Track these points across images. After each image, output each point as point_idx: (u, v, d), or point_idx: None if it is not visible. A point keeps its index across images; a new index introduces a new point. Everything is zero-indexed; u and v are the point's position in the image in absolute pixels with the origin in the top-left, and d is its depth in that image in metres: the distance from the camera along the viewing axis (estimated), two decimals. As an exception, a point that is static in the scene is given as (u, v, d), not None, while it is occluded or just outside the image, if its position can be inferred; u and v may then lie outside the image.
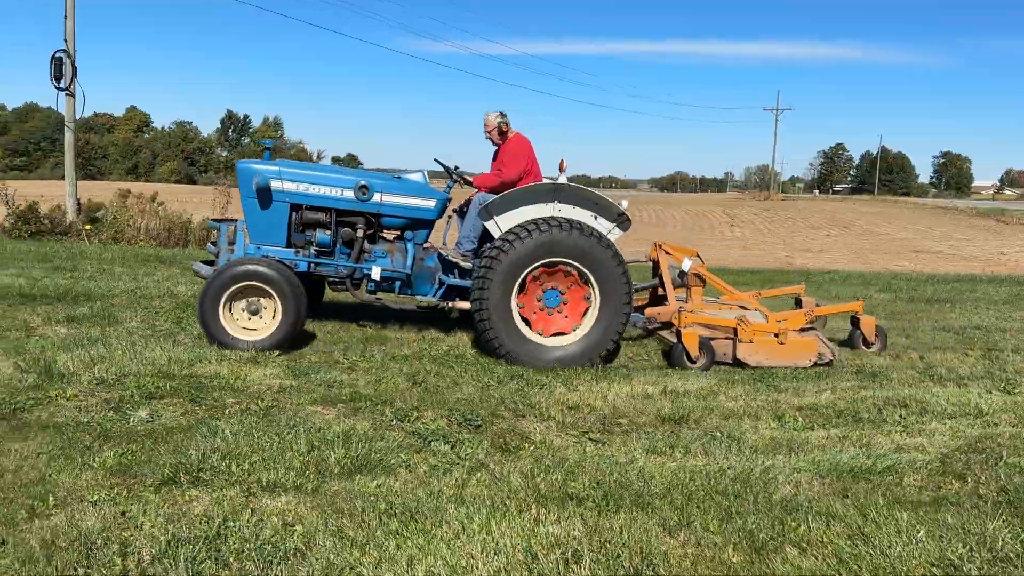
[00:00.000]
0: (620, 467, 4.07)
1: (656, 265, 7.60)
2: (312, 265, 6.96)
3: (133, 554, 2.95)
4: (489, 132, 7.49)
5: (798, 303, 7.76)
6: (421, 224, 7.24)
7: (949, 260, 20.89)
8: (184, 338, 6.49)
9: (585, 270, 6.51)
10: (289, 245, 7.05)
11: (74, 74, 17.45)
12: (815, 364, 6.46)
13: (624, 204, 6.83)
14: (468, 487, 3.75)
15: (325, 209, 7.03)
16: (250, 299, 6.33)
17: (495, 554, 3.08)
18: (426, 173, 7.52)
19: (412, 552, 3.07)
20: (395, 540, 3.16)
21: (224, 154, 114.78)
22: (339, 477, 3.79)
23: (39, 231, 15.57)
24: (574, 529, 3.31)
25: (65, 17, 18.46)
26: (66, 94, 17.41)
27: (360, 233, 7.07)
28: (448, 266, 7.08)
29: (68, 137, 18.27)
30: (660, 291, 7.61)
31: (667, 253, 7.63)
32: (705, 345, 6.42)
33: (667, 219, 42.68)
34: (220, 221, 7.45)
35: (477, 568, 2.98)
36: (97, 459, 3.82)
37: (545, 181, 6.92)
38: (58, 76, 17.25)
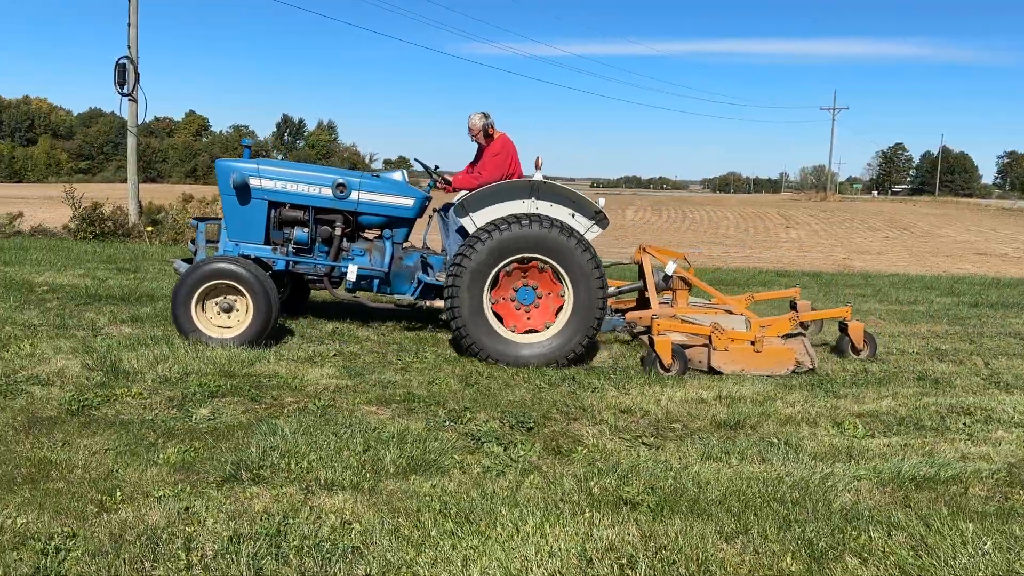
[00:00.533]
0: (675, 472, 4.03)
1: (642, 268, 7.46)
2: (291, 263, 7.04)
3: (196, 549, 3.03)
4: (475, 135, 7.49)
5: (793, 307, 7.63)
6: (400, 223, 7.24)
7: (1014, 263, 20.19)
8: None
9: (557, 266, 6.43)
10: (268, 243, 7.12)
11: (137, 80, 17.97)
12: (794, 372, 6.21)
13: (601, 202, 6.77)
14: (521, 489, 3.76)
15: (303, 207, 7.08)
16: (223, 297, 6.41)
17: (549, 557, 3.08)
18: (406, 172, 7.54)
19: (467, 553, 3.09)
20: (450, 540, 3.19)
21: (279, 157, 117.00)
22: (394, 477, 3.83)
23: (103, 233, 16.07)
24: (628, 534, 3.29)
25: (129, 25, 19.03)
26: (129, 99, 17.93)
27: (338, 231, 7.11)
28: (427, 265, 7.09)
29: (131, 141, 18.81)
30: (647, 294, 7.46)
31: (652, 256, 7.49)
32: (678, 352, 6.22)
33: (719, 220, 42.15)
34: (202, 219, 7.54)
35: (532, 570, 2.98)
36: (161, 456, 3.93)
37: (523, 178, 6.85)
38: (121, 82, 17.79)
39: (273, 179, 7.00)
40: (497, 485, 3.79)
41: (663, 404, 5.29)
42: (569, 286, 6.45)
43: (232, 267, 6.33)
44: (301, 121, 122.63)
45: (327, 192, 7.02)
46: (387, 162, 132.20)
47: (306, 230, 7.05)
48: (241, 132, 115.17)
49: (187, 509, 3.35)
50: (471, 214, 6.60)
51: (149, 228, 17.38)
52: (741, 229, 35.86)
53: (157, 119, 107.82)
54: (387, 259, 7.10)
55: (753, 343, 6.25)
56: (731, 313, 7.15)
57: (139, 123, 18.90)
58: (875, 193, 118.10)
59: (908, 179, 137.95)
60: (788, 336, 6.64)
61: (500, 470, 4.00)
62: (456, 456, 4.14)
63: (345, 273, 6.93)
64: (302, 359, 6.03)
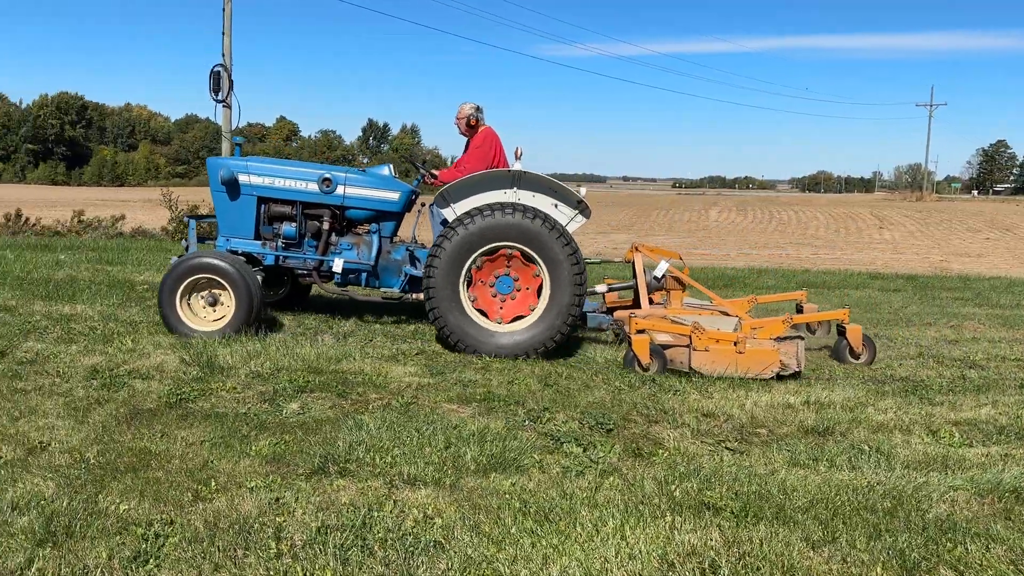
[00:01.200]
0: (759, 478, 3.94)
1: (635, 267, 7.27)
2: (280, 258, 7.20)
3: (286, 538, 3.14)
4: (458, 121, 7.54)
5: (799, 310, 7.30)
6: (387, 216, 7.31)
7: None
8: (329, 336, 6.82)
9: (534, 254, 6.39)
10: (257, 237, 7.28)
11: (230, 87, 18.67)
12: (778, 376, 5.97)
13: (582, 191, 6.73)
14: (601, 490, 3.75)
15: (291, 202, 7.22)
16: (208, 291, 6.58)
17: (630, 559, 3.06)
18: (392, 167, 7.61)
19: (547, 551, 3.10)
20: (530, 539, 3.20)
21: (365, 160, 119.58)
22: (475, 474, 3.87)
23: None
24: (711, 539, 3.24)
25: (223, 33, 19.83)
26: (223, 106, 18.65)
27: (326, 225, 7.22)
28: (414, 258, 7.11)
29: (225, 147, 19.55)
30: (655, 295, 7.36)
31: (644, 255, 7.35)
32: (656, 352, 6.08)
33: (808, 221, 40.95)
34: (196, 217, 7.80)
35: (612, 572, 2.97)
36: (253, 448, 4.08)
37: (514, 168, 6.76)
38: (216, 89, 18.51)
39: (261, 175, 7.20)
40: (576, 485, 3.79)
41: (747, 408, 5.18)
42: (546, 276, 6.41)
43: (212, 261, 6.52)
44: (386, 125, 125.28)
45: (313, 187, 7.17)
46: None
47: (294, 225, 7.21)
48: (329, 137, 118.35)
49: (277, 500, 3.47)
50: (452, 204, 6.66)
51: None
52: (831, 230, 34.74)
53: (250, 124, 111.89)
54: (374, 253, 7.20)
55: (736, 344, 6.01)
56: (727, 315, 6.93)
57: (232, 128, 19.66)
58: (975, 192, 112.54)
59: (1012, 178, 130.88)
60: (783, 339, 6.32)
61: (579, 471, 3.99)
62: (535, 455, 4.16)
63: (340, 267, 7.07)
64: (386, 357, 6.16)
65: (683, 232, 40.85)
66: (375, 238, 7.27)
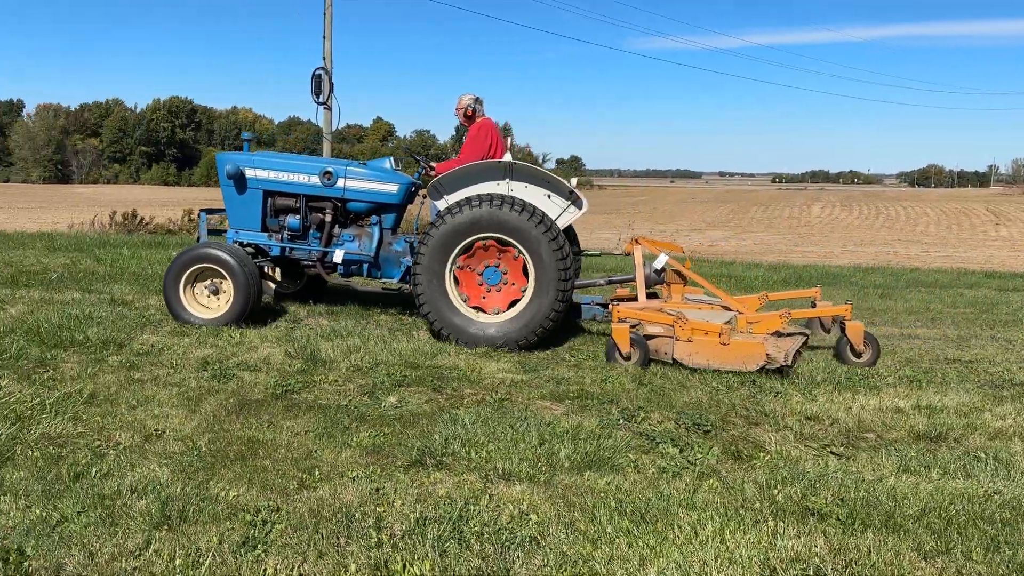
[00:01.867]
0: (867, 484, 3.78)
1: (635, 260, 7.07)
2: (286, 249, 7.38)
3: (386, 528, 3.21)
4: (457, 112, 7.61)
5: (814, 307, 7.00)
6: (387, 208, 7.40)
7: None
8: (425, 332, 6.94)
9: (518, 245, 6.39)
10: (264, 230, 7.50)
11: (331, 89, 19.21)
12: (763, 369, 5.81)
13: (573, 182, 6.75)
14: (699, 493, 3.67)
15: (294, 195, 7.41)
16: (210, 280, 6.82)
17: (729, 563, 2.99)
18: (393, 159, 7.66)
19: (643, 552, 3.06)
20: (626, 538, 3.17)
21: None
22: (569, 471, 3.86)
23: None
24: (816, 546, 3.13)
25: (324, 37, 20.43)
26: (324, 108, 19.23)
27: (328, 217, 7.37)
28: (414, 250, 7.05)
29: (326, 147, 20.16)
30: (656, 288, 7.24)
31: (644, 247, 7.18)
32: (637, 341, 6.01)
33: (918, 217, 39.05)
34: (208, 211, 7.97)
35: (711, 575, 2.91)
36: (354, 439, 4.19)
37: (504, 159, 6.78)
38: (317, 92, 19.06)
39: (266, 169, 7.42)
40: (673, 487, 3.73)
41: (854, 412, 4.98)
42: (531, 267, 6.42)
43: (213, 252, 6.75)
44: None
45: (315, 180, 7.34)
46: (559, 162, 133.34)
47: (298, 217, 7.41)
48: (423, 136, 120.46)
49: (377, 490, 3.56)
50: (445, 196, 6.73)
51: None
52: (943, 227, 33.03)
53: (348, 126, 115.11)
54: (375, 244, 7.32)
55: (720, 335, 5.87)
56: (728, 309, 6.71)
57: (333, 130, 20.22)
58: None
59: None
60: (780, 334, 6.21)
61: (676, 472, 3.92)
62: (630, 455, 4.11)
63: (341, 258, 7.24)
64: (480, 353, 6.21)
65: (783, 229, 39.66)
66: (376, 230, 7.40)
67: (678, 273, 7.19)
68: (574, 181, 6.81)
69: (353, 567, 2.88)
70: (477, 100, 7.60)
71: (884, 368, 6.27)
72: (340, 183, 7.35)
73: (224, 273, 6.76)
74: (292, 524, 3.20)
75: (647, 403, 5.03)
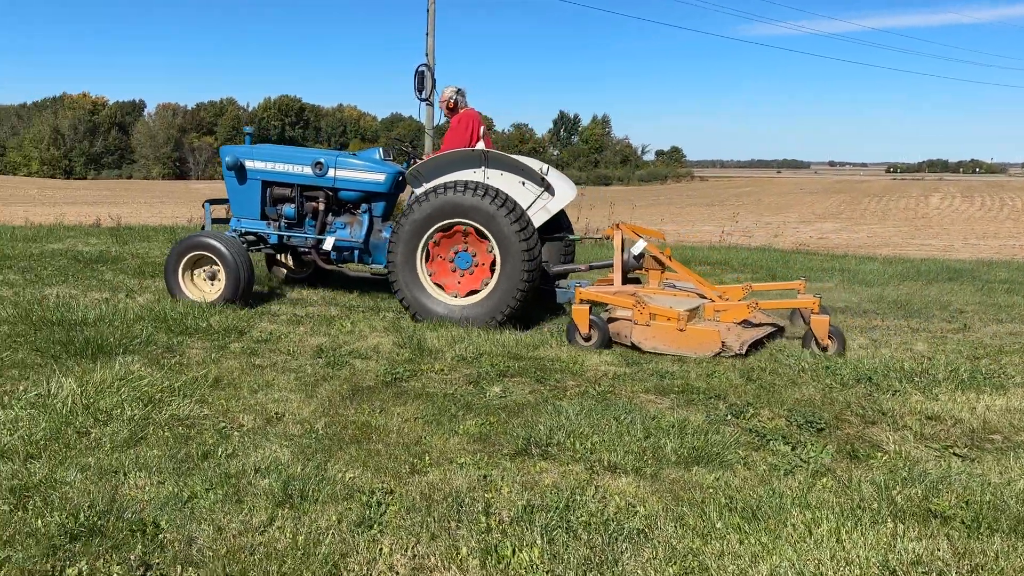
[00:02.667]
0: (994, 488, 3.59)
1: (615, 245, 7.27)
2: (284, 236, 7.84)
3: (495, 514, 3.27)
4: (440, 104, 8.03)
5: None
6: (376, 197, 7.70)
7: None
8: (526, 324, 6.99)
9: (484, 230, 6.61)
10: (264, 218, 7.97)
11: (433, 85, 19.48)
12: (718, 355, 5.90)
13: (545, 168, 7.01)
14: (813, 491, 3.57)
15: (290, 185, 7.83)
16: (208, 266, 7.29)
17: (847, 564, 2.90)
18: (382, 150, 7.99)
19: (755, 549, 3.00)
20: (737, 535, 3.12)
21: (555, 153, 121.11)
22: (676, 466, 3.82)
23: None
24: (939, 549, 2.99)
25: (427, 34, 20.78)
26: (426, 104, 19.56)
27: (321, 206, 7.74)
28: None
29: (427, 143, 20.53)
30: (635, 274, 7.45)
31: (623, 233, 7.25)
32: (596, 323, 6.20)
33: (1045, 208, 36.51)
34: (213, 202, 8.45)
35: (827, 575, 2.83)
36: (461, 427, 4.28)
37: (477, 148, 7.09)
38: (420, 88, 19.40)
39: (263, 160, 7.88)
40: (786, 485, 3.64)
41: (979, 412, 4.72)
42: (496, 250, 6.62)
43: (207, 240, 7.21)
44: (576, 116, 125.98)
45: (308, 171, 7.72)
46: (659, 153, 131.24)
47: (294, 206, 7.82)
48: (521, 130, 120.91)
49: (485, 477, 3.62)
50: (425, 183, 7.03)
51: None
52: (1075, 218, 30.72)
53: (447, 121, 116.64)
54: (364, 231, 7.64)
55: (676, 321, 6.01)
56: (703, 297, 6.85)
57: (435, 125, 20.56)
58: None
59: None
60: (747, 324, 6.43)
61: (788, 470, 3.83)
62: (740, 451, 4.03)
63: (331, 245, 7.59)
64: (581, 345, 6.21)
65: (899, 220, 37.86)
66: (366, 217, 7.72)
67: (656, 259, 7.31)
68: (545, 168, 7.04)
69: (464, 550, 2.95)
70: (459, 92, 7.94)
71: (1011, 367, 5.92)
72: (331, 173, 7.71)
73: (216, 260, 7.20)
74: (405, 506, 3.30)
75: (756, 399, 4.92)
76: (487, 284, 6.75)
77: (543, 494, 3.45)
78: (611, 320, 6.40)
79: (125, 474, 3.49)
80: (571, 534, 3.11)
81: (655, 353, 6.00)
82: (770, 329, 6.53)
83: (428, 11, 20.55)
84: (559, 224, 7.70)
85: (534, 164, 7.03)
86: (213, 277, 7.36)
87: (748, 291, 7.07)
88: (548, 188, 6.94)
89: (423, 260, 6.83)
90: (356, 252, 7.73)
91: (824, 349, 6.29)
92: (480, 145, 7.19)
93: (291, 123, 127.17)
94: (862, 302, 8.90)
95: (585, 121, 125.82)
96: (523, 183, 6.97)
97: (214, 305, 7.00)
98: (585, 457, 3.88)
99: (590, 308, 6.27)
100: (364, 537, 3.04)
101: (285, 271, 8.99)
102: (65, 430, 3.94)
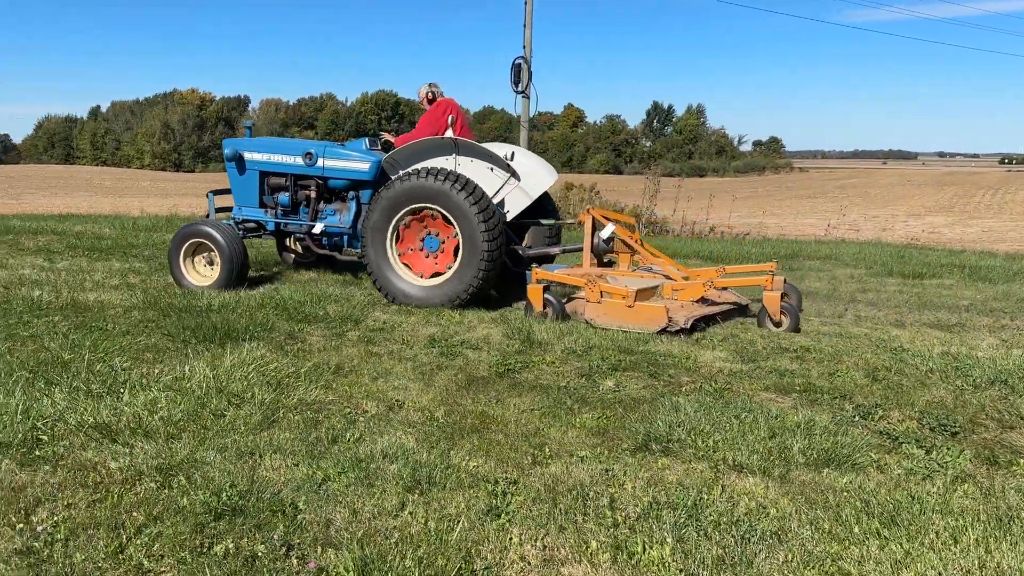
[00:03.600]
0: None
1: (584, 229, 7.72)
2: (280, 224, 8.26)
3: (620, 509, 3.24)
4: (420, 101, 8.46)
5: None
6: (362, 184, 7.93)
7: None
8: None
9: (444, 212, 6.95)
10: (262, 206, 8.38)
11: (530, 78, 19.54)
12: (664, 331, 6.22)
13: (510, 153, 7.54)
14: (953, 498, 3.40)
15: (284, 174, 8.18)
16: (207, 253, 7.71)
17: (996, 574, 2.75)
18: (368, 140, 8.32)
19: (898, 556, 2.88)
20: (876, 541, 3.00)
21: (648, 144, 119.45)
22: (805, 467, 3.71)
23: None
24: (1102, 566, 2.80)
25: (524, 26, 20.77)
26: (522, 96, 19.62)
27: (313, 194, 8.10)
28: None
29: (523, 135, 20.55)
30: (608, 257, 7.84)
31: (595, 218, 7.69)
32: (550, 301, 6.72)
33: None
34: (216, 192, 8.75)
35: (979, 588, 2.69)
36: (578, 420, 4.27)
37: (446, 136, 7.53)
38: (516, 81, 19.47)
39: (259, 151, 8.27)
40: (924, 490, 3.48)
41: None
42: (457, 230, 6.94)
43: (203, 228, 7.66)
44: (670, 107, 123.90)
45: (299, 161, 8.05)
46: (756, 144, 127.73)
47: (288, 194, 8.18)
48: (614, 122, 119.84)
49: (607, 471, 3.60)
50: (400, 169, 7.40)
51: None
52: None
53: (540, 113, 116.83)
54: (351, 217, 7.94)
55: (624, 299, 6.41)
56: (669, 278, 7.31)
57: (530, 117, 20.58)
58: None
59: None
60: (708, 302, 6.92)
61: (925, 474, 3.66)
62: (872, 454, 3.88)
63: (320, 231, 7.97)
64: (692, 341, 6.11)
65: (1016, 214, 35.70)
66: (353, 204, 8.02)
67: (624, 243, 7.68)
68: (510, 153, 7.55)
69: (594, 544, 2.94)
70: (432, 85, 8.44)
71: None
72: (320, 163, 8.01)
73: (212, 247, 7.62)
74: (530, 497, 3.32)
75: (884, 400, 4.73)
76: (451, 267, 7.09)
77: (668, 491, 3.41)
78: (569, 299, 6.93)
79: (261, 456, 3.64)
80: (702, 533, 3.05)
81: (615, 329, 6.34)
82: (728, 307, 7.00)
83: (526, 3, 20.54)
84: (544, 209, 8.11)
85: (500, 151, 7.57)
86: (211, 263, 7.78)
87: (722, 273, 7.49)
88: (514, 174, 7.34)
89: (393, 242, 7.22)
90: (345, 237, 8.10)
91: (778, 324, 6.63)
92: (449, 133, 7.67)
93: (387, 117, 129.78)
94: (987, 300, 8.45)
95: (679, 111, 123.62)
96: (491, 169, 7.36)
97: (211, 289, 7.42)
98: (708, 455, 3.81)
99: (546, 287, 6.80)
100: (493, 525, 3.07)
101: (294, 256, 9.44)
102: (201, 412, 4.14)
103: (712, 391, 4.86)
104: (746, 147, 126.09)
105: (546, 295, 6.72)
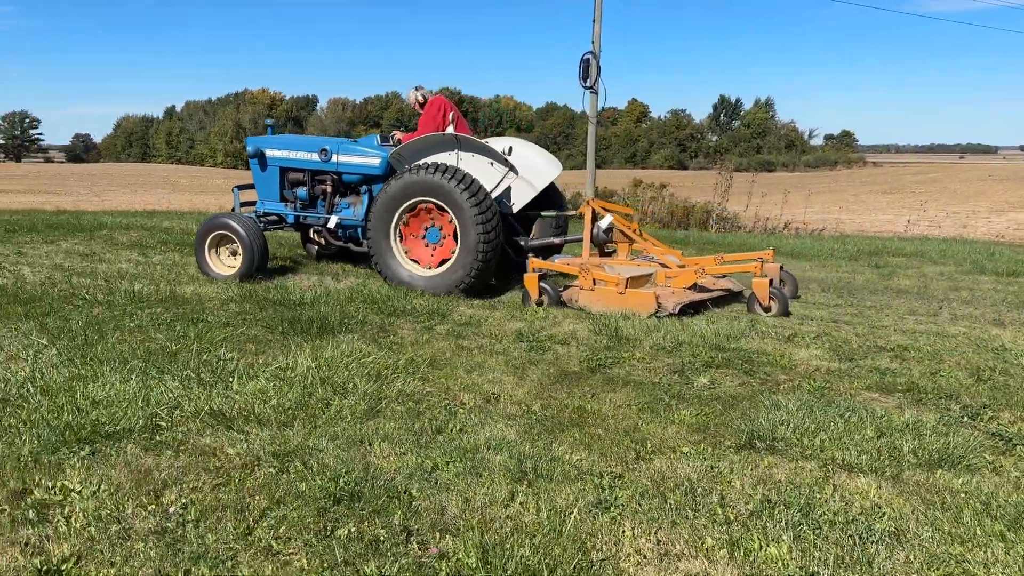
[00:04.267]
0: None
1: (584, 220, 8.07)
2: (299, 217, 8.64)
3: (731, 506, 3.22)
4: (413, 107, 8.78)
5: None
6: (374, 179, 8.23)
7: None
8: (724, 313, 6.84)
9: (443, 205, 7.25)
10: (282, 200, 8.75)
11: (598, 73, 19.43)
12: (654, 315, 6.50)
13: (507, 148, 7.84)
14: (1079, 503, 3.28)
15: (302, 170, 8.57)
16: (230, 244, 8.04)
17: None
18: (379, 136, 8.72)
19: (1027, 561, 2.80)
20: (1001, 543, 2.92)
21: (714, 139, 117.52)
22: (917, 468, 3.62)
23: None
24: None
25: (593, 21, 20.66)
26: (591, 91, 19.51)
27: (329, 188, 8.45)
28: None
29: (591, 130, 20.45)
30: (610, 246, 8.18)
31: (595, 210, 8.07)
32: (545, 289, 7.01)
33: None
34: (241, 187, 9.16)
35: (1119, 596, 2.59)
36: (676, 416, 4.26)
37: (447, 132, 7.81)
38: (584, 76, 19.37)
39: (280, 148, 8.66)
40: (1047, 494, 3.36)
41: None
42: (457, 224, 7.22)
43: (226, 221, 8.00)
44: (738, 101, 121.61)
45: (315, 157, 8.39)
46: (828, 137, 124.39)
47: (306, 188, 8.56)
48: (678, 116, 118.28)
49: (712, 468, 3.58)
50: (406, 166, 7.63)
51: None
52: None
53: (604, 109, 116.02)
54: (364, 210, 8.14)
55: (616, 286, 6.77)
56: (665, 266, 7.60)
57: (599, 111, 20.45)
58: None
59: None
60: (697, 288, 7.22)
61: (1045, 477, 3.54)
62: (986, 456, 3.77)
63: (335, 223, 8.29)
64: (784, 338, 6.02)
65: (1108, 211, 33.94)
66: (366, 198, 8.28)
67: (623, 233, 8.03)
68: (507, 148, 7.84)
69: (709, 540, 2.93)
70: (418, 88, 8.81)
71: None
72: (335, 158, 8.33)
73: (234, 239, 7.95)
74: (638, 492, 3.32)
75: (992, 401, 4.58)
76: (454, 253, 7.35)
77: (778, 489, 3.37)
78: (565, 287, 7.22)
79: (370, 444, 3.73)
80: (817, 532, 3.01)
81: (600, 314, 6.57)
82: (720, 294, 7.35)
83: (596, -2, 20.42)
84: (551, 201, 8.41)
85: (498, 145, 7.89)
86: (235, 254, 8.11)
87: (720, 261, 7.76)
88: (512, 168, 7.55)
89: (396, 233, 7.54)
90: (359, 230, 8.31)
91: (767, 310, 6.85)
92: (450, 129, 7.94)
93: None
94: (1091, 300, 8.08)
95: (747, 105, 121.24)
96: (491, 164, 7.58)
97: (233, 278, 7.79)
98: (815, 455, 3.75)
99: (543, 276, 7.13)
100: (604, 519, 3.09)
101: (316, 247, 9.67)
102: (308, 401, 4.26)
103: (812, 390, 4.78)
104: (817, 141, 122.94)
105: (542, 283, 7.06)
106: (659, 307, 6.61)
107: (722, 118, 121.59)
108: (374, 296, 6.91)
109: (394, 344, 5.54)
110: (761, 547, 2.90)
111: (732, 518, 3.13)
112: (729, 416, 4.26)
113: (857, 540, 2.96)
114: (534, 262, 7.23)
